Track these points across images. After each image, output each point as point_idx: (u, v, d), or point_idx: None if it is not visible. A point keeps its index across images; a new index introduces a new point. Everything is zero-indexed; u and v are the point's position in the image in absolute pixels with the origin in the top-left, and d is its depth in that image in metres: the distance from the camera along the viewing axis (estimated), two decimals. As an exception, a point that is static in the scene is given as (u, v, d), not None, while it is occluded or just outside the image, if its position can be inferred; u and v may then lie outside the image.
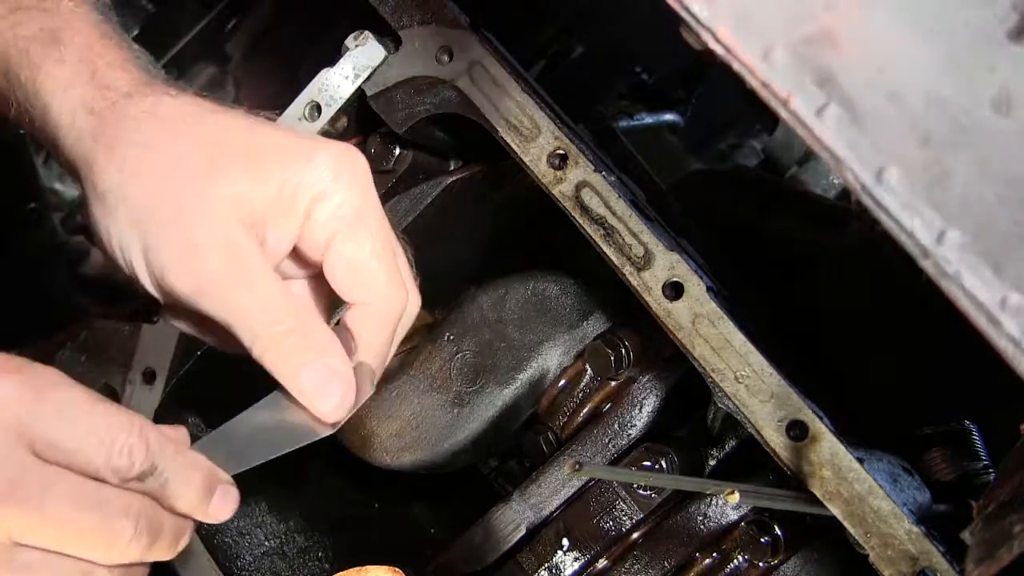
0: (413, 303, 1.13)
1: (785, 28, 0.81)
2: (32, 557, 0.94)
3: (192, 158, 1.03)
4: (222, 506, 1.06)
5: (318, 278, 1.10)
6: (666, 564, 1.28)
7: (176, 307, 1.09)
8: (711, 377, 1.11)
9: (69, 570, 0.96)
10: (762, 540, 1.20)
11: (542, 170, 1.17)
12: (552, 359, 1.39)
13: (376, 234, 1.06)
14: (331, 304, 1.15)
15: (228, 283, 1.03)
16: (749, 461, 1.23)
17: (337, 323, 1.12)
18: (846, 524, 1.05)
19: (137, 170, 1.04)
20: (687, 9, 0.82)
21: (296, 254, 1.08)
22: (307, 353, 1.04)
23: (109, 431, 0.95)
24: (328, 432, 1.10)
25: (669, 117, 2.09)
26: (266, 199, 1.03)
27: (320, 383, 1.05)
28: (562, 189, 1.17)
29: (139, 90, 1.06)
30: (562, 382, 1.40)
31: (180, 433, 1.05)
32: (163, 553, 1.02)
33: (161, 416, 1.40)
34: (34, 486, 0.92)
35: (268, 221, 1.04)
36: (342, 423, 1.11)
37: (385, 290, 1.07)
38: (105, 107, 1.05)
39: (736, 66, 0.81)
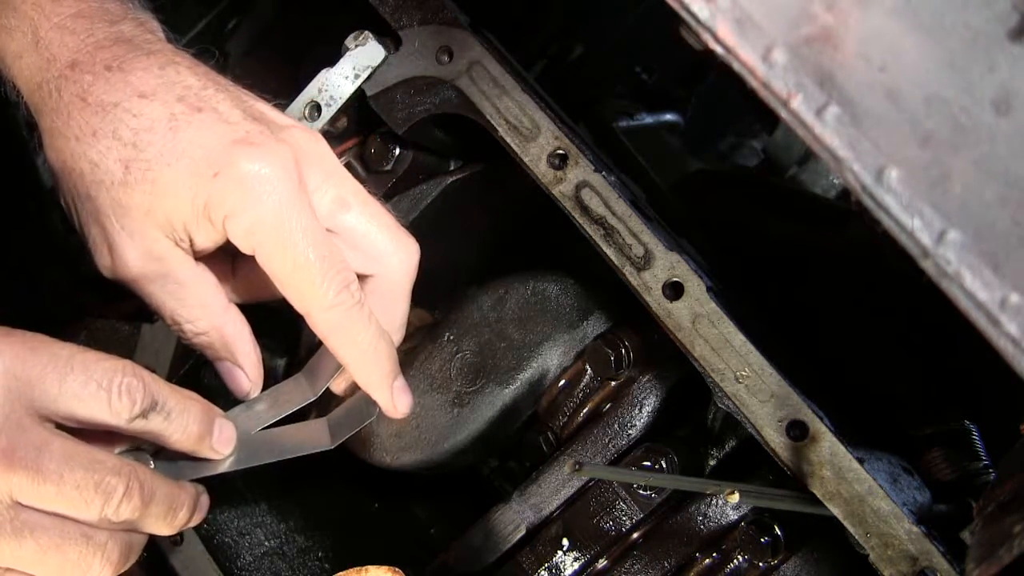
0: (399, 260, 1.15)
1: (785, 28, 0.81)
2: (34, 518, 0.96)
3: (109, 159, 1.03)
4: (222, 438, 1.10)
5: None
6: (666, 564, 1.28)
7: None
8: (711, 377, 1.11)
9: (70, 531, 0.98)
10: (762, 540, 1.20)
11: (542, 170, 1.17)
12: (552, 359, 1.39)
13: (296, 248, 1.04)
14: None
15: (142, 283, 1.08)
16: (749, 461, 1.23)
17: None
18: (846, 524, 1.05)
19: (66, 166, 1.06)
20: (687, 9, 0.82)
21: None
22: (216, 350, 1.13)
23: (105, 375, 0.98)
24: (328, 447, 1.13)
25: (669, 117, 2.09)
26: (180, 211, 1.04)
27: (227, 374, 1.15)
28: (562, 189, 1.17)
29: (81, 61, 1.05)
30: (562, 382, 1.40)
31: None
32: (159, 522, 1.03)
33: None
34: (31, 446, 0.94)
35: (188, 228, 1.05)
36: (342, 440, 1.16)
37: (318, 301, 1.07)
38: (47, 82, 1.05)
39: (736, 66, 0.81)
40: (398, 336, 1.19)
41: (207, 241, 1.07)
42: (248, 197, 1.02)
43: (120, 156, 1.03)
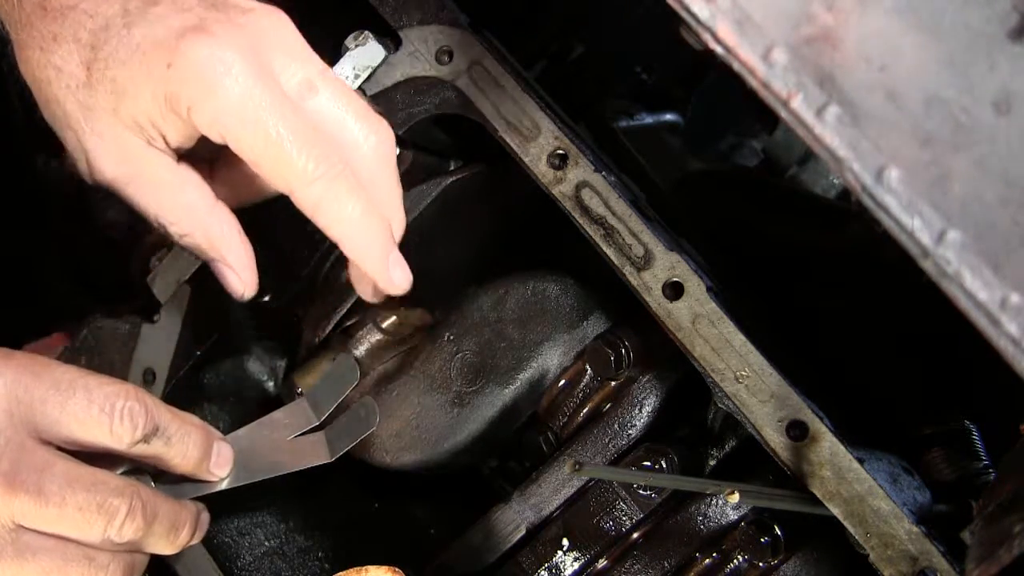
0: (372, 134, 1.11)
1: (785, 28, 0.81)
2: (37, 541, 0.96)
3: (71, 64, 1.02)
4: (220, 461, 1.09)
5: None
6: (666, 564, 1.28)
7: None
8: (711, 377, 1.11)
9: (72, 553, 0.97)
10: (762, 540, 1.20)
11: (542, 170, 1.17)
12: (552, 359, 1.39)
13: (263, 126, 1.01)
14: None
15: (120, 186, 1.06)
16: (749, 461, 1.23)
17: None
18: (846, 524, 1.05)
19: (35, 77, 1.05)
20: (687, 9, 0.82)
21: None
22: (205, 251, 1.10)
23: (107, 399, 0.98)
24: (327, 460, 1.13)
25: (669, 117, 2.09)
26: (143, 108, 1.01)
27: (221, 275, 1.12)
28: (562, 189, 1.17)
29: None
30: (562, 382, 1.40)
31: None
32: (161, 541, 1.03)
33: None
34: (33, 469, 0.93)
35: (157, 124, 1.03)
36: (342, 453, 1.15)
37: (297, 176, 1.04)
38: None
39: (736, 66, 0.81)
40: (397, 224, 1.14)
41: (180, 136, 1.04)
42: (206, 85, 0.99)
43: (81, 59, 1.01)
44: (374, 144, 1.10)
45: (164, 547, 1.05)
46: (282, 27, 1.08)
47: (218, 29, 1.01)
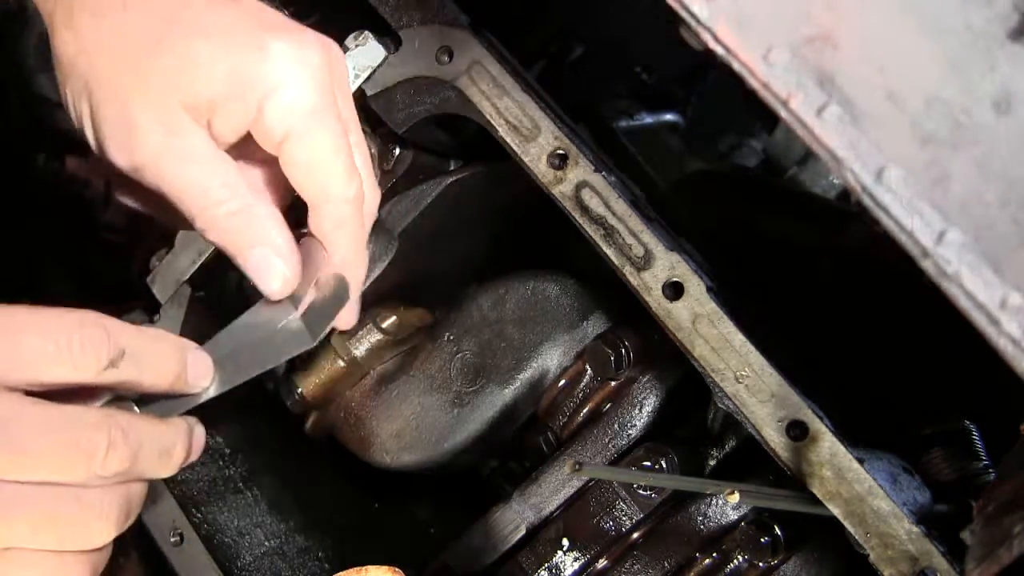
0: (372, 201, 1.14)
1: (785, 28, 0.81)
2: (19, 493, 0.90)
3: (139, 31, 1.00)
4: (199, 373, 1.04)
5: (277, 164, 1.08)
6: (666, 564, 1.28)
7: (125, 181, 1.07)
8: (711, 377, 1.11)
9: (59, 497, 0.92)
10: (762, 540, 1.20)
11: (542, 170, 1.17)
12: (552, 359, 1.39)
13: (333, 132, 1.03)
14: (288, 190, 1.13)
15: (165, 160, 1.01)
16: (749, 461, 1.23)
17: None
18: (846, 524, 1.05)
19: (85, 41, 1.01)
20: (687, 9, 0.82)
21: (252, 142, 1.05)
22: (248, 234, 1.05)
23: (63, 332, 0.91)
24: (310, 344, 1.09)
25: (669, 117, 2.09)
26: (211, 85, 1.00)
27: (262, 263, 1.05)
28: (562, 189, 1.17)
29: None
30: (562, 382, 1.40)
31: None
32: (154, 465, 0.98)
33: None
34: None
35: (215, 108, 1.01)
36: (323, 334, 1.10)
37: (342, 191, 1.06)
38: None
39: (736, 66, 0.81)
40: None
41: (226, 127, 1.03)
42: (295, 74, 1.00)
43: (153, 29, 1.00)
44: (373, 206, 1.15)
45: (159, 470, 0.99)
46: (343, 63, 1.11)
47: (310, 35, 1.04)
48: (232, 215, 1.04)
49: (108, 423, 0.93)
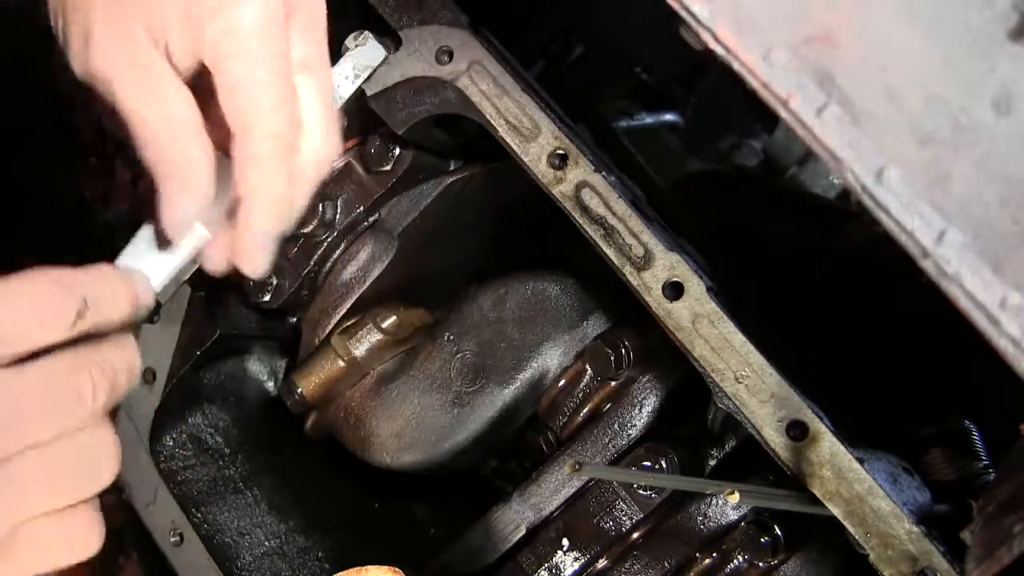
0: (324, 153, 1.10)
1: (785, 28, 0.81)
2: (23, 463, 0.91)
3: None
4: (144, 295, 1.05)
5: None
6: (666, 564, 1.28)
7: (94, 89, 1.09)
8: (711, 377, 1.11)
9: (64, 449, 0.92)
10: (762, 540, 1.20)
11: (542, 170, 1.17)
12: (552, 359, 1.39)
13: (268, 62, 1.02)
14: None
15: (114, 69, 1.03)
16: (749, 461, 1.23)
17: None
18: (846, 524, 1.05)
19: None
20: (687, 9, 0.82)
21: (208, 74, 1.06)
22: (174, 151, 1.04)
23: (25, 300, 0.92)
24: (205, 235, 1.09)
25: (669, 117, 2.09)
26: (166, 6, 1.02)
27: (179, 185, 1.05)
28: (562, 189, 1.17)
29: None
30: (562, 382, 1.40)
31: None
32: (124, 386, 0.99)
33: (161, 416, 1.40)
34: None
35: (167, 29, 1.03)
36: (215, 230, 1.10)
37: (263, 125, 1.03)
38: None
39: (736, 66, 0.81)
40: (285, 224, 1.13)
41: (180, 50, 1.04)
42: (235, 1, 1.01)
43: None
44: (321, 157, 1.10)
45: (128, 387, 1.00)
46: (314, 7, 1.09)
47: None
48: (164, 131, 1.04)
49: (83, 363, 0.94)
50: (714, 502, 1.26)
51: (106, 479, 0.97)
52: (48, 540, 0.93)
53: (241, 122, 1.04)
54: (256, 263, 1.11)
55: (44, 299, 0.93)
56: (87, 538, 0.96)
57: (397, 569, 1.18)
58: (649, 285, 1.13)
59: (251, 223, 1.08)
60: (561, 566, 1.31)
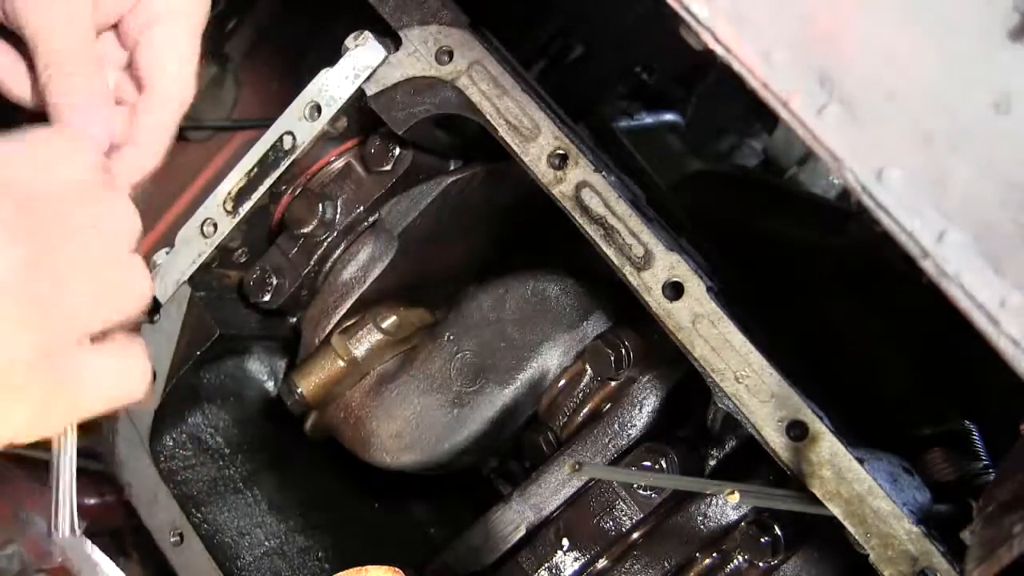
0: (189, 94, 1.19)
1: (785, 28, 0.81)
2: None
3: None
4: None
5: None
6: (666, 564, 1.28)
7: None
8: (711, 377, 1.11)
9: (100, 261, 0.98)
10: (762, 540, 1.20)
11: (542, 170, 1.17)
12: (552, 359, 1.39)
13: (190, 36, 1.14)
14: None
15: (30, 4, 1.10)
16: (749, 461, 1.23)
17: None
18: (846, 524, 1.05)
19: None
20: (687, 9, 0.82)
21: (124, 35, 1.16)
22: (78, 89, 1.11)
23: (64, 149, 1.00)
24: None
25: (669, 117, 2.09)
26: None
27: (82, 122, 1.11)
28: (562, 189, 1.17)
29: None
30: (562, 382, 1.40)
31: None
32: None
33: (161, 416, 1.40)
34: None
35: None
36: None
37: (175, 86, 1.15)
38: None
39: (736, 66, 0.81)
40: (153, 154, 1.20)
41: (104, 11, 1.13)
42: None
43: None
44: (169, 106, 1.17)
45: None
46: None
47: None
48: (71, 70, 1.11)
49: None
50: (714, 502, 1.26)
51: (142, 300, 1.03)
52: (103, 370, 0.98)
53: (157, 86, 1.15)
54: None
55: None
56: (139, 371, 1.02)
57: (397, 569, 1.18)
58: (649, 285, 1.13)
59: (120, 169, 1.15)
60: (561, 566, 1.31)
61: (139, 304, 1.01)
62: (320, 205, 1.36)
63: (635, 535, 1.30)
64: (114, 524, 1.80)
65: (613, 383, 1.36)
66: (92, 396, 0.96)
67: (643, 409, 1.32)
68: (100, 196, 0.99)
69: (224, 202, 1.32)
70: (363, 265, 1.40)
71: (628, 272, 1.14)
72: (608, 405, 1.35)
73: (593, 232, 1.15)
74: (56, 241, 0.93)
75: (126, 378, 1.00)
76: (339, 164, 1.38)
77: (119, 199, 1.02)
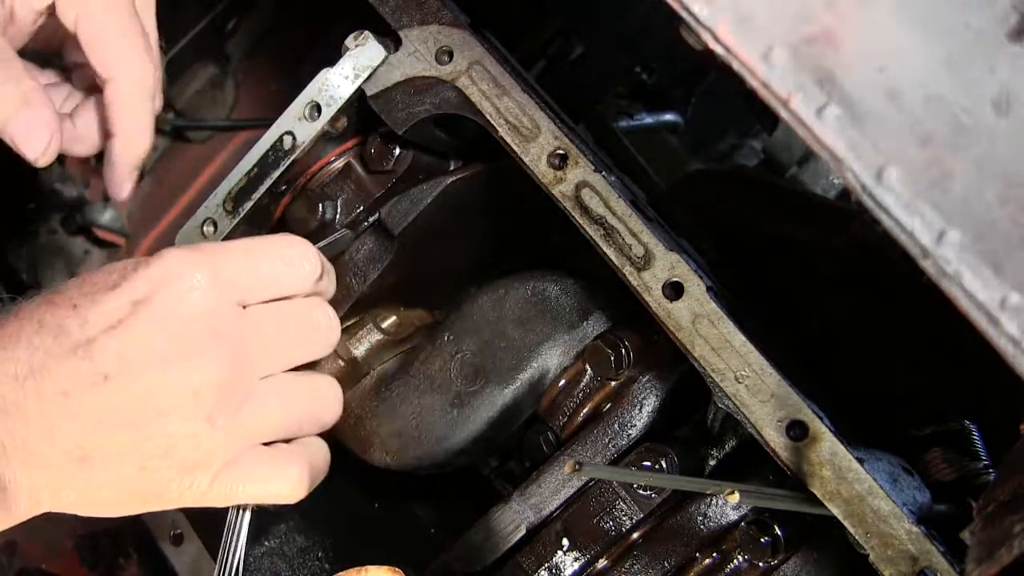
0: (157, 77, 1.25)
1: (785, 28, 0.81)
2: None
3: None
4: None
5: None
6: (666, 564, 1.28)
7: None
8: (711, 377, 1.11)
9: (300, 382, 1.14)
10: (762, 540, 1.20)
11: (542, 170, 1.17)
12: (552, 359, 1.39)
13: (124, 15, 1.16)
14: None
15: None
16: (749, 461, 1.23)
17: None
18: (846, 524, 1.05)
19: None
20: (687, 9, 0.82)
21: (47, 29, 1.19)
22: (17, 104, 1.16)
23: (289, 254, 1.10)
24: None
25: (669, 117, 2.09)
26: None
27: (26, 130, 1.17)
28: (562, 189, 1.17)
29: None
30: (562, 382, 1.40)
31: None
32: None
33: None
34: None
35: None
36: None
37: (133, 68, 1.18)
38: None
39: (736, 66, 0.82)
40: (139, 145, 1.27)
41: (24, 11, 1.16)
42: None
43: None
44: (132, 90, 1.22)
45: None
46: None
47: None
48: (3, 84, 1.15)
49: (320, 303, 1.16)
50: (714, 502, 1.26)
51: (328, 420, 1.15)
52: (263, 469, 1.08)
53: (110, 71, 1.18)
54: (124, 191, 1.30)
55: (300, 255, 1.11)
56: (297, 478, 1.12)
57: (397, 569, 1.18)
58: (649, 285, 1.13)
59: (119, 159, 1.24)
60: (561, 566, 1.31)
61: (323, 425, 1.15)
62: (320, 205, 1.36)
63: (635, 535, 1.30)
64: (114, 524, 1.80)
65: (613, 383, 1.35)
66: (236, 493, 1.08)
67: (643, 409, 1.32)
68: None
69: (224, 202, 1.32)
70: (363, 265, 1.40)
71: (628, 272, 1.14)
72: (608, 405, 1.35)
73: (593, 232, 1.15)
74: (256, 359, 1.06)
75: (280, 483, 1.12)
76: (339, 164, 1.38)
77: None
